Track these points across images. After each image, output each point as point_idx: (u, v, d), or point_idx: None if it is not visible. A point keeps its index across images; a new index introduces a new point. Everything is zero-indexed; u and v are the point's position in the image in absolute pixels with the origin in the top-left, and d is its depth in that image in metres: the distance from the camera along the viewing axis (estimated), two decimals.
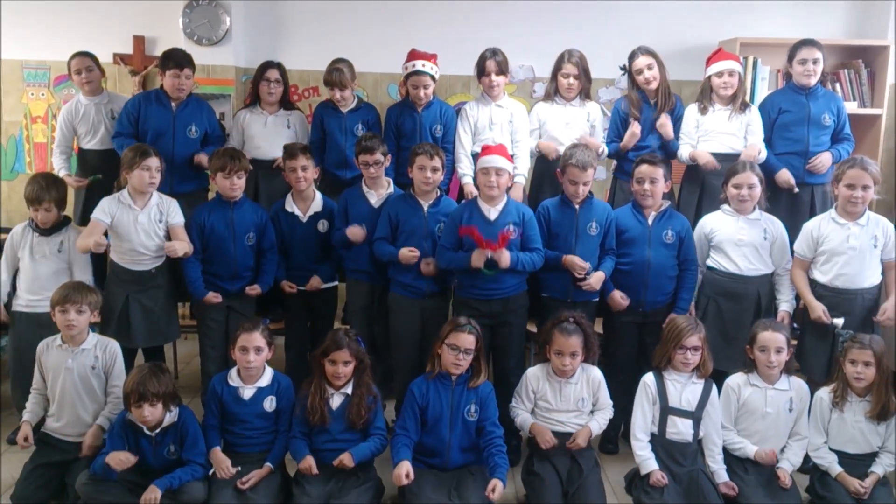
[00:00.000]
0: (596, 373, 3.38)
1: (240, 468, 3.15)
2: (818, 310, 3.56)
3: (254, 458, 3.20)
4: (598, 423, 3.33)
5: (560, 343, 3.26)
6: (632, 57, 4.20)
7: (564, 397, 3.30)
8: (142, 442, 3.09)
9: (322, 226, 3.94)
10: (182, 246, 3.69)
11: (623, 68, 4.24)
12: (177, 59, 4.19)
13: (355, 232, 3.73)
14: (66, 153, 4.46)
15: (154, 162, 3.67)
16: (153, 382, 3.01)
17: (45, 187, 3.75)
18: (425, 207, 3.69)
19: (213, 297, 3.78)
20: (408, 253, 3.60)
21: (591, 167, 3.63)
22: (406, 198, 3.74)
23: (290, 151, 3.89)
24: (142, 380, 3.02)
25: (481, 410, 3.26)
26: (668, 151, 4.22)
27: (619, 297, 3.68)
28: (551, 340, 3.30)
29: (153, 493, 2.96)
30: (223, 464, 3.14)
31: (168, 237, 3.76)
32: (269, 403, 3.25)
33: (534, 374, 3.38)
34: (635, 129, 4.14)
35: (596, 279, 3.60)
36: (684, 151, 4.17)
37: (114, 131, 4.26)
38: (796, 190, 4.09)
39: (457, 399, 3.25)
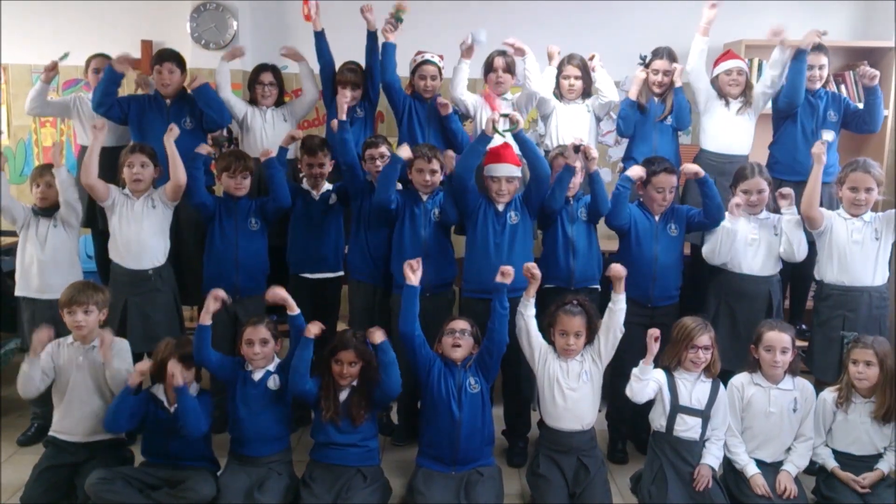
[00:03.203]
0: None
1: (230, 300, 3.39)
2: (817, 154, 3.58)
3: (261, 463, 3.22)
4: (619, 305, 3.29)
5: (564, 323, 3.28)
6: (655, 54, 4.25)
7: (572, 374, 3.30)
8: (160, 416, 3.16)
9: (332, 199, 4.00)
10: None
11: (642, 59, 4.28)
12: (159, 55, 4.26)
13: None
14: (37, 100, 4.46)
15: (139, 158, 3.73)
16: (186, 350, 3.19)
17: (48, 166, 3.83)
18: (424, 198, 3.77)
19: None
20: (406, 148, 3.66)
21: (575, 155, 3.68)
22: (407, 189, 3.81)
23: (309, 147, 3.94)
24: (180, 343, 3.24)
25: (481, 364, 3.30)
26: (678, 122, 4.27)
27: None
28: (555, 322, 3.31)
29: (178, 374, 3.09)
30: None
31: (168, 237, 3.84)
32: (273, 382, 3.27)
33: (543, 342, 3.39)
34: (639, 73, 4.23)
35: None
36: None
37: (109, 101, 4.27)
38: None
39: (462, 379, 3.27)
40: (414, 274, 3.27)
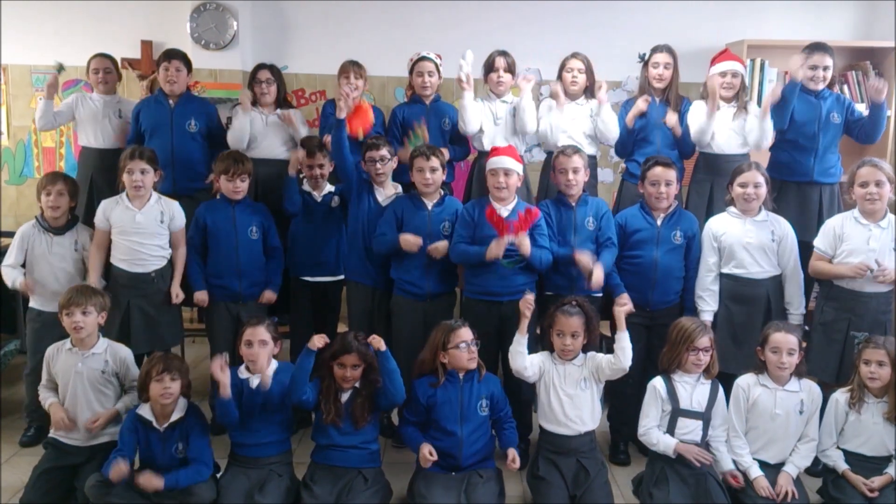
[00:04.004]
0: (598, 356, 3.35)
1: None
2: (856, 268, 3.46)
3: (261, 464, 3.20)
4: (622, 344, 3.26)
5: (561, 323, 3.26)
6: (654, 49, 4.22)
7: (569, 377, 3.28)
8: (151, 437, 3.11)
9: (334, 201, 3.99)
10: (178, 281, 3.80)
11: (641, 57, 4.26)
12: (166, 53, 4.27)
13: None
14: (46, 115, 4.44)
15: (139, 164, 3.69)
16: (176, 361, 3.14)
17: (61, 175, 3.81)
18: (430, 206, 3.71)
19: (201, 295, 3.82)
20: (411, 238, 3.58)
21: (577, 154, 3.66)
22: (411, 197, 3.76)
23: (308, 149, 3.94)
24: (165, 356, 3.16)
25: (493, 402, 3.29)
26: (680, 150, 4.21)
27: (626, 302, 3.61)
28: (553, 322, 3.30)
29: (157, 480, 2.97)
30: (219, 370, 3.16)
31: (170, 242, 3.82)
32: (276, 388, 3.24)
33: (538, 356, 3.37)
34: (642, 104, 4.17)
35: (596, 277, 3.54)
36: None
37: (128, 138, 4.32)
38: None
39: (466, 395, 3.25)
40: (430, 459, 3.14)
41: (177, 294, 3.79)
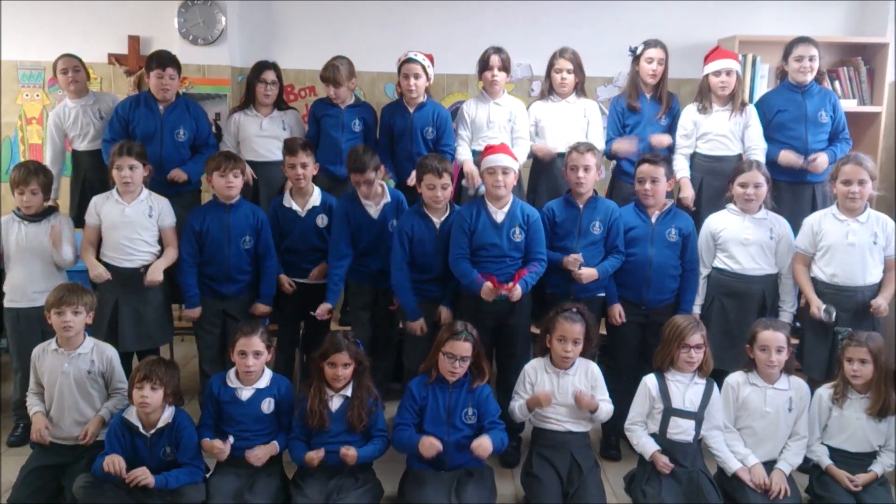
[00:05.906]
0: (594, 367, 3.36)
1: (233, 439, 3.15)
2: (814, 305, 3.56)
3: (251, 464, 3.17)
4: (604, 408, 3.28)
5: (565, 328, 3.24)
6: (647, 44, 4.18)
7: (562, 389, 3.27)
8: (137, 443, 3.08)
9: (321, 220, 3.93)
10: (160, 267, 3.72)
11: (633, 51, 4.23)
12: (160, 59, 4.18)
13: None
14: (57, 163, 4.43)
15: (127, 160, 3.67)
16: (161, 369, 3.06)
17: (33, 171, 3.76)
18: (437, 224, 3.65)
19: (193, 313, 3.78)
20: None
21: (591, 152, 3.63)
22: (419, 215, 3.67)
23: (290, 147, 3.87)
24: (151, 363, 3.08)
25: (480, 411, 3.25)
26: (671, 149, 4.19)
27: (618, 314, 3.69)
28: (554, 327, 3.27)
29: (146, 476, 2.95)
30: (217, 447, 3.12)
31: (160, 240, 3.79)
32: (268, 405, 3.22)
33: (532, 367, 3.37)
34: (632, 143, 4.13)
35: (587, 274, 3.57)
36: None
37: (105, 136, 4.23)
38: (803, 162, 4.03)
39: (453, 402, 3.23)
40: (436, 446, 3.11)
41: (153, 278, 3.69)
